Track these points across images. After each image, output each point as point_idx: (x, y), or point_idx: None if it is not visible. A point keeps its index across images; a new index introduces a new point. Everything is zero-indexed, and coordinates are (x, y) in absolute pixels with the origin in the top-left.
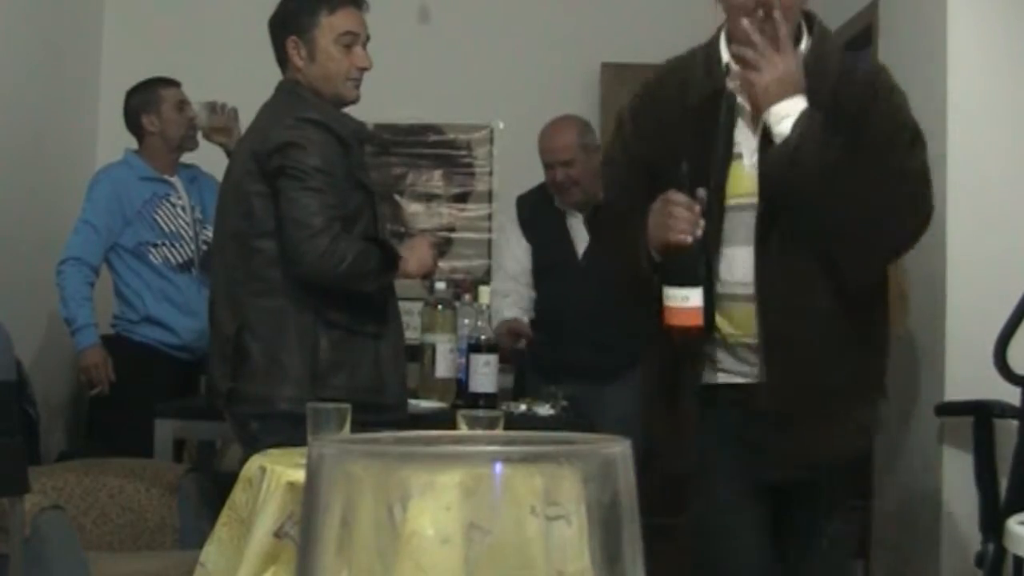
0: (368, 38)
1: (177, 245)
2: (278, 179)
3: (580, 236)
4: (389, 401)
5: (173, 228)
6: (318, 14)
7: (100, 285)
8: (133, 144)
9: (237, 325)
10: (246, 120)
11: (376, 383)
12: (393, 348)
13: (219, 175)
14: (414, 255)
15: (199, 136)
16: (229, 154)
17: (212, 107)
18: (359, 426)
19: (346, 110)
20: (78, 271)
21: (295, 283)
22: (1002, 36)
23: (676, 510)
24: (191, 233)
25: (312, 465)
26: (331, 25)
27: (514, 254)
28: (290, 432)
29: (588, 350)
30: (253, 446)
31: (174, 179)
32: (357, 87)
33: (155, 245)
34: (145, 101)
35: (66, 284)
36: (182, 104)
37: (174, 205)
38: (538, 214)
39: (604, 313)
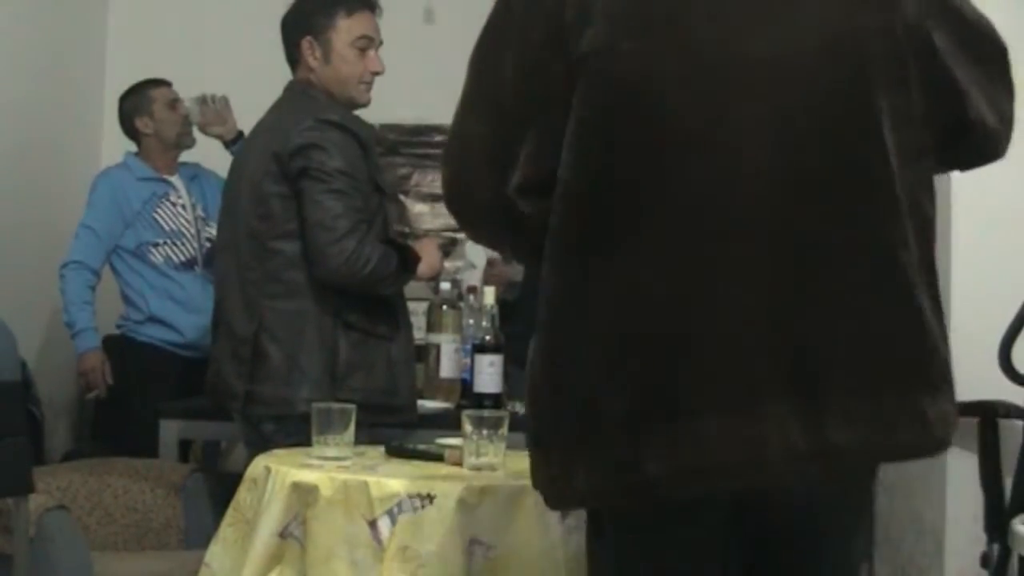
0: (381, 43)
1: (179, 244)
2: (301, 181)
3: None
4: (401, 402)
5: (174, 227)
6: (335, 16)
7: (108, 287)
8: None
9: (255, 327)
10: (249, 117)
11: (389, 384)
12: (404, 350)
13: (220, 170)
14: (424, 257)
15: (195, 132)
16: (227, 145)
17: (203, 100)
18: (371, 427)
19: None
20: (79, 275)
21: (316, 285)
22: (1006, 36)
23: None
24: (193, 231)
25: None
26: (348, 28)
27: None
28: (306, 434)
29: None
30: (264, 448)
31: (174, 178)
32: (369, 91)
33: (156, 245)
34: (137, 104)
35: (67, 288)
36: (174, 103)
37: (174, 204)
38: None
39: None
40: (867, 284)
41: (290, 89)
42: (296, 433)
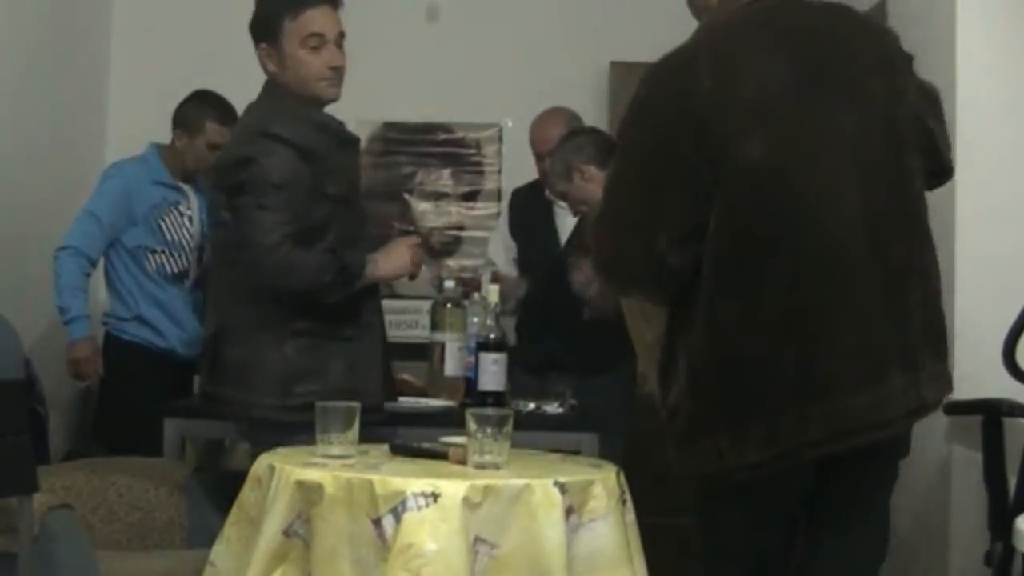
0: (342, 34)
1: (176, 255)
2: (237, 195)
3: (565, 227)
4: (367, 403)
5: (175, 237)
6: (281, 20)
7: (96, 284)
8: (142, 143)
9: (215, 330)
10: None
11: (351, 386)
12: (370, 350)
13: None
14: (388, 259)
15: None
16: None
17: None
18: None
19: (345, 109)
20: (75, 261)
21: (261, 292)
22: (1011, 33)
23: (675, 509)
24: (193, 244)
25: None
26: (295, 30)
27: (504, 244)
28: (273, 436)
29: (575, 343)
30: (254, 444)
31: (187, 186)
32: (334, 85)
33: (153, 251)
34: (189, 119)
35: (62, 272)
36: (218, 146)
37: (182, 215)
38: (528, 206)
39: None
40: (923, 288)
41: (263, 90)
42: (265, 432)
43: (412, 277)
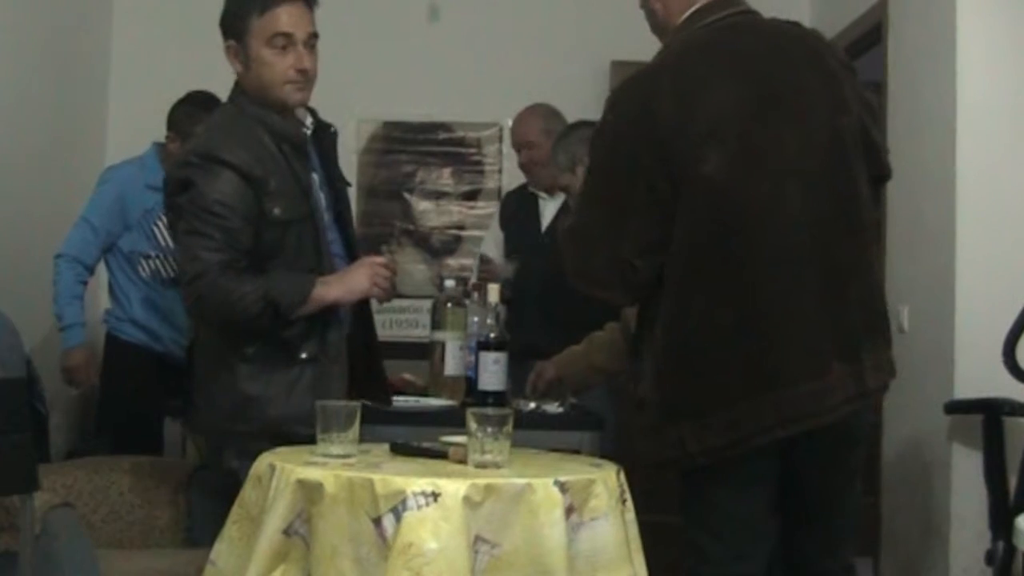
0: (314, 35)
1: (170, 260)
2: (176, 217)
3: (548, 215)
4: None
5: (169, 242)
6: (248, 18)
7: (98, 283)
8: (142, 145)
9: (192, 340)
10: None
11: (310, 410)
12: (333, 370)
13: None
14: (342, 282)
15: None
16: None
17: None
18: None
19: (346, 108)
20: (71, 269)
21: None
22: (1011, 34)
23: (676, 507)
24: None
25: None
26: (261, 28)
27: (495, 239)
28: (236, 455)
29: (556, 331)
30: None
31: None
32: (300, 89)
33: (147, 257)
34: (181, 124)
35: (58, 280)
36: None
37: None
38: (517, 204)
39: (568, 291)
40: (865, 285)
41: (230, 92)
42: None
43: (381, 300)
